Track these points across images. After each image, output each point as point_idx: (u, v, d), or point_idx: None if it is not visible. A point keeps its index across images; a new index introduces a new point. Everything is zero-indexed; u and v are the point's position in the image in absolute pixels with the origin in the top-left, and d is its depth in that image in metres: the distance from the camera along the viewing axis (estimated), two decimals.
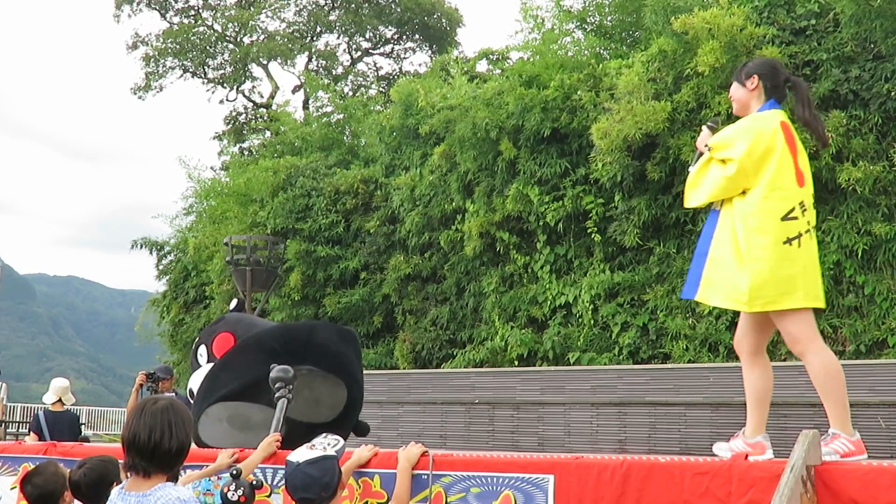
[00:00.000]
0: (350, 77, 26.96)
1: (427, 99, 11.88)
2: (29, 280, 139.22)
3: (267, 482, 3.94)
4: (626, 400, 8.32)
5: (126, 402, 8.66)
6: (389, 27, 26.88)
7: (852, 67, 8.98)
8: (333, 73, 26.66)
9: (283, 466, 3.89)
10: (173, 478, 2.66)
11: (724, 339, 9.14)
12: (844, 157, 8.73)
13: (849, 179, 8.44)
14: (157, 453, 2.52)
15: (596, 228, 10.24)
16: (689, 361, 9.07)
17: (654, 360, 9.59)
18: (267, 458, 3.96)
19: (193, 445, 4.54)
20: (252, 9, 26.03)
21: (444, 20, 26.11)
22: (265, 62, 26.12)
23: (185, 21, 26.72)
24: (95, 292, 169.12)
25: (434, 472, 3.52)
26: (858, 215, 8.68)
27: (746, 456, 3.18)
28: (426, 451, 3.60)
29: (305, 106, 22.71)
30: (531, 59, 12.10)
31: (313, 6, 26.92)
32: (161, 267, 18.41)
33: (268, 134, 22.25)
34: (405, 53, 27.57)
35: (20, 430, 18.60)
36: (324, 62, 26.87)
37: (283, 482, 3.87)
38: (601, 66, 10.62)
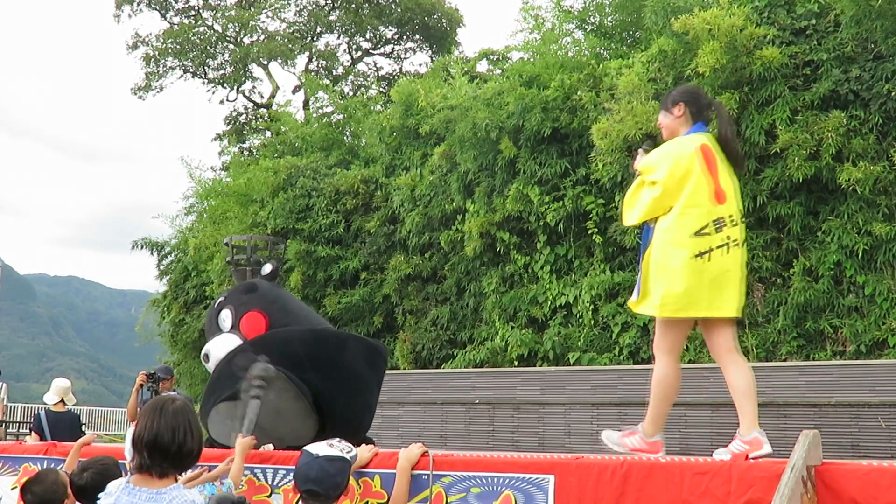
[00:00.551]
0: (350, 77, 26.96)
1: (427, 99, 11.89)
2: (29, 280, 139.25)
3: (267, 482, 3.95)
4: (626, 400, 8.31)
5: (126, 403, 8.66)
6: (390, 27, 26.88)
7: (853, 67, 8.98)
8: (334, 73, 26.67)
9: (284, 466, 3.90)
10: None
11: None
12: (845, 157, 8.72)
13: (849, 180, 8.43)
14: (181, 453, 2.52)
15: (596, 229, 10.24)
16: (690, 362, 9.06)
17: (654, 361, 9.58)
18: (251, 457, 3.98)
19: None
20: (252, 9, 26.04)
21: (444, 20, 26.10)
22: (265, 62, 26.13)
23: (186, 21, 26.72)
24: (96, 292, 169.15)
25: (434, 472, 3.52)
26: (859, 215, 8.68)
27: (747, 455, 3.19)
28: (426, 452, 3.60)
29: (306, 106, 22.71)
30: (531, 60, 12.11)
31: (313, 6, 26.92)
32: (161, 267, 18.41)
33: (268, 134, 22.27)
34: (405, 54, 27.59)
35: (20, 430, 18.62)
36: (324, 62, 26.87)
37: (283, 482, 3.87)
38: (601, 66, 10.63)
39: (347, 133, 16.54)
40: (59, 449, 4.93)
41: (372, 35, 27.27)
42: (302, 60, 26.62)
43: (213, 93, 31.13)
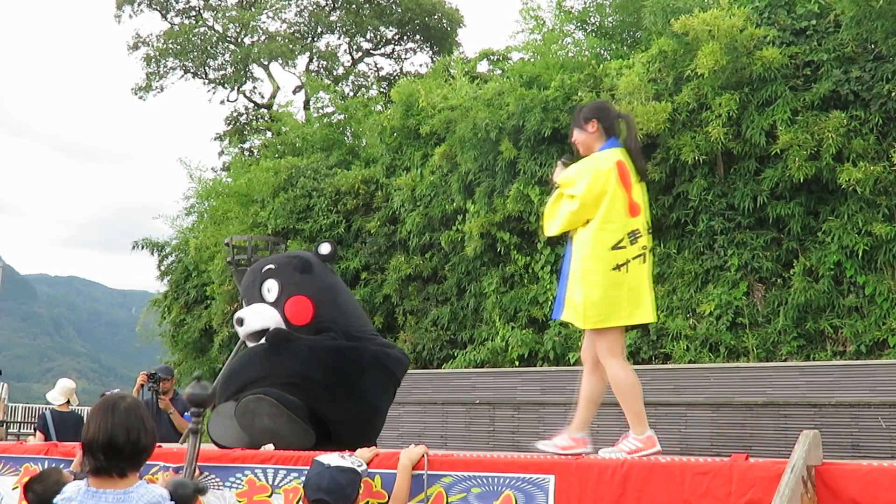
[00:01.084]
0: (351, 77, 26.95)
1: (428, 99, 11.89)
2: (30, 280, 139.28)
3: (267, 482, 3.95)
4: None
5: None
6: (390, 28, 26.87)
7: (853, 68, 8.98)
8: (334, 73, 26.67)
9: (284, 466, 3.90)
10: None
11: (725, 339, 9.15)
12: (845, 157, 8.73)
13: (849, 180, 8.44)
14: (136, 451, 2.48)
15: None
16: (690, 362, 9.07)
17: (654, 361, 9.60)
18: (251, 457, 4.01)
19: (211, 445, 4.54)
20: (253, 9, 26.04)
21: (444, 21, 26.10)
22: (266, 63, 26.13)
23: (186, 22, 26.72)
24: (96, 293, 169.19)
25: (435, 473, 3.52)
26: (859, 216, 8.69)
27: (748, 456, 3.19)
28: (427, 452, 3.61)
29: (306, 106, 22.71)
30: (532, 60, 12.11)
31: (314, 7, 26.92)
32: (162, 267, 18.43)
33: (269, 134, 22.28)
34: (406, 54, 27.58)
35: (21, 430, 18.63)
36: (325, 63, 26.88)
37: (283, 482, 3.88)
38: (602, 66, 10.63)
39: (348, 133, 16.55)
40: (60, 449, 4.93)
41: (372, 35, 27.28)
42: (302, 61, 26.65)
43: (214, 93, 31.13)
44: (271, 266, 4.88)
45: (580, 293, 4.03)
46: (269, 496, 3.92)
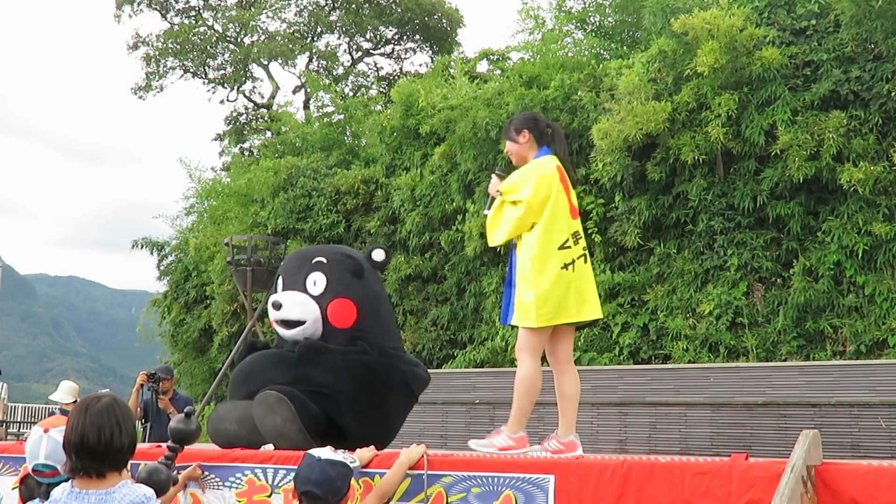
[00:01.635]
0: (351, 77, 26.95)
1: (427, 99, 11.89)
2: (30, 280, 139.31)
3: (267, 482, 3.95)
4: (626, 400, 8.31)
5: (127, 402, 8.68)
6: (390, 27, 26.87)
7: (853, 68, 8.98)
8: (334, 73, 26.66)
9: (284, 466, 3.90)
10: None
11: (725, 339, 9.15)
12: (845, 157, 8.73)
13: (850, 180, 8.44)
14: (110, 452, 2.45)
15: (596, 229, 10.25)
16: (690, 362, 9.07)
17: (654, 361, 9.60)
18: (251, 457, 4.00)
19: (213, 445, 4.53)
20: (253, 9, 26.04)
21: (444, 21, 26.09)
22: (266, 62, 26.12)
23: (186, 21, 26.71)
24: (96, 292, 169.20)
25: (435, 473, 3.52)
26: (859, 216, 8.69)
27: (748, 456, 3.19)
28: (427, 452, 3.61)
29: (306, 106, 22.72)
30: (531, 60, 12.12)
31: (314, 6, 26.92)
32: (162, 267, 18.44)
33: (268, 134, 22.28)
34: (406, 54, 27.57)
35: (21, 430, 18.62)
36: (324, 62, 26.87)
37: (283, 482, 3.87)
38: (601, 66, 10.63)
39: (348, 133, 16.56)
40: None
41: (372, 35, 27.27)
42: (302, 61, 26.63)
43: (214, 93, 31.14)
44: (322, 259, 4.72)
45: (530, 293, 4.11)
46: (269, 496, 3.92)
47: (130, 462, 2.62)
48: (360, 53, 27.88)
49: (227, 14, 26.32)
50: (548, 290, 4.08)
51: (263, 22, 26.24)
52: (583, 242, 4.31)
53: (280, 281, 4.83)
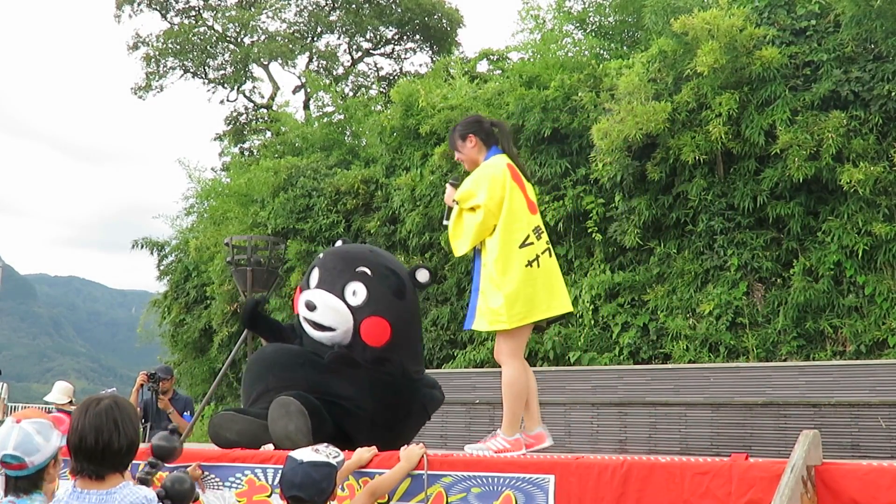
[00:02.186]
0: (351, 77, 26.95)
1: (427, 99, 11.89)
2: (30, 280, 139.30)
3: (267, 482, 3.95)
4: (626, 400, 8.32)
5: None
6: (390, 28, 26.86)
7: (853, 68, 8.98)
8: (334, 73, 26.65)
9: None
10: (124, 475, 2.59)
11: (725, 339, 9.15)
12: (845, 157, 8.73)
13: (849, 180, 8.44)
14: (107, 454, 2.44)
15: (596, 228, 10.25)
16: (690, 362, 9.07)
17: (654, 361, 9.60)
18: (251, 457, 4.00)
19: (213, 445, 4.51)
20: (253, 9, 26.03)
21: (444, 21, 26.08)
22: (266, 63, 26.12)
23: (186, 21, 26.71)
24: (96, 292, 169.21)
25: (435, 473, 3.52)
26: (859, 216, 8.69)
27: (748, 456, 3.19)
28: (426, 452, 3.61)
29: (306, 106, 22.72)
30: (531, 60, 12.11)
31: (314, 7, 26.91)
32: (162, 267, 18.45)
33: (268, 134, 22.27)
34: (406, 54, 27.57)
35: None
36: (324, 62, 26.86)
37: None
38: (601, 66, 10.63)
39: (348, 133, 16.55)
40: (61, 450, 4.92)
41: (372, 35, 27.26)
42: (302, 61, 26.63)
43: (214, 93, 31.22)
44: (367, 270, 4.58)
45: (498, 296, 4.05)
46: (269, 496, 3.92)
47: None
48: (360, 53, 27.88)
49: (227, 14, 26.32)
50: (515, 290, 4.04)
51: (263, 22, 26.25)
52: (545, 237, 4.26)
53: (315, 274, 4.69)
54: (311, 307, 4.51)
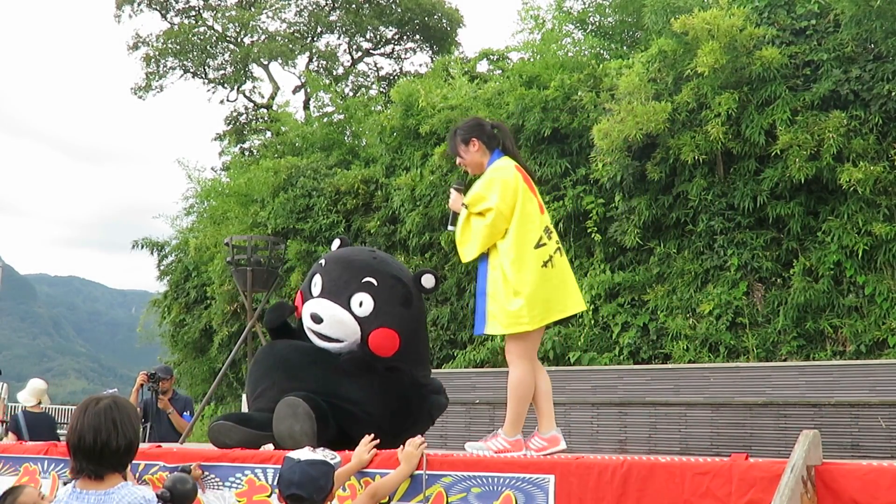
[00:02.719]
0: (351, 77, 26.95)
1: (427, 99, 11.89)
2: (30, 280, 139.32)
3: (267, 482, 3.95)
4: (626, 400, 8.32)
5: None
6: (390, 27, 26.86)
7: (853, 68, 8.99)
8: (334, 73, 26.66)
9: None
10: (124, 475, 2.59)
11: (725, 339, 9.15)
12: (845, 157, 8.73)
13: (849, 180, 8.44)
14: (105, 454, 2.45)
15: (596, 228, 10.25)
16: (690, 362, 9.07)
17: (654, 361, 9.60)
18: (251, 457, 3.99)
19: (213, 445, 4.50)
20: (253, 9, 26.04)
21: (444, 20, 26.09)
22: (266, 62, 26.12)
23: (186, 21, 26.70)
24: (96, 292, 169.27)
25: (434, 473, 3.52)
26: (859, 216, 8.69)
27: (748, 456, 3.19)
28: (426, 452, 3.61)
29: (306, 106, 22.73)
30: (531, 60, 12.12)
31: (314, 6, 26.92)
32: (162, 267, 18.45)
33: (268, 134, 22.27)
34: (406, 54, 27.57)
35: None
36: (324, 62, 26.86)
37: None
38: (601, 66, 10.64)
39: (348, 133, 16.55)
40: (60, 449, 4.92)
41: (372, 35, 27.27)
42: (302, 61, 26.63)
43: (214, 93, 31.20)
44: (373, 281, 4.51)
45: (516, 299, 4.02)
46: (269, 496, 3.92)
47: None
48: (360, 53, 27.88)
49: (227, 14, 26.32)
50: (534, 291, 4.02)
51: (263, 22, 26.25)
52: (555, 236, 4.25)
53: (318, 282, 4.61)
54: (317, 320, 4.44)
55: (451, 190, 4.44)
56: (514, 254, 4.07)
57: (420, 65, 27.12)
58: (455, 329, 11.77)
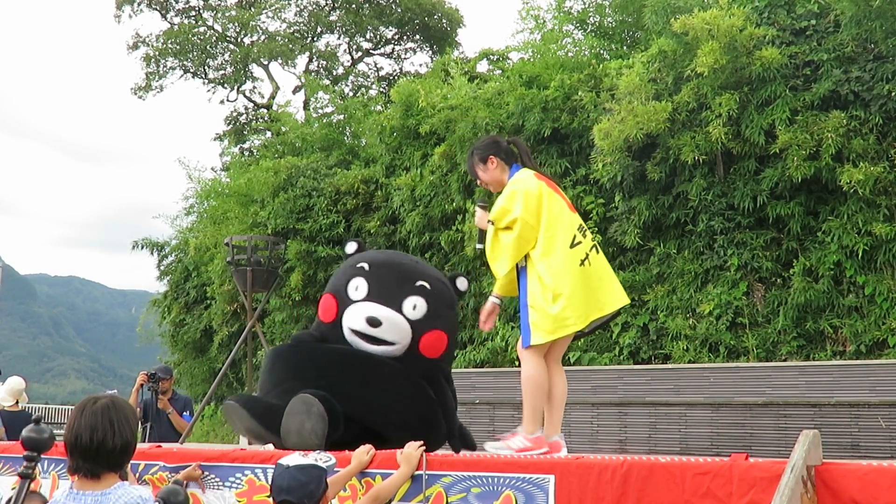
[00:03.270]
0: (351, 77, 26.96)
1: (427, 99, 11.89)
2: (30, 280, 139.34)
3: (267, 482, 3.94)
4: (626, 400, 8.32)
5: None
6: (390, 28, 26.88)
7: (853, 68, 8.98)
8: (334, 73, 26.67)
9: None
10: (123, 476, 2.59)
11: (725, 339, 9.15)
12: (845, 157, 8.73)
13: (849, 180, 8.44)
14: (102, 453, 2.45)
15: (596, 228, 10.25)
16: (690, 362, 9.07)
17: (654, 361, 9.60)
18: (251, 457, 3.99)
19: (213, 445, 4.50)
20: (253, 9, 26.04)
21: (444, 20, 26.10)
22: (266, 62, 26.13)
23: (186, 21, 26.72)
24: (96, 292, 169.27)
25: (434, 473, 3.52)
26: (859, 216, 8.69)
27: (748, 456, 3.19)
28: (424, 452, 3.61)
29: (306, 106, 22.71)
30: (531, 60, 12.12)
31: (314, 7, 26.93)
32: (162, 267, 18.47)
33: (268, 134, 22.28)
34: (406, 54, 27.59)
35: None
36: (324, 62, 26.88)
37: None
38: (601, 66, 10.64)
39: (348, 133, 16.56)
40: (59, 449, 4.92)
41: (372, 35, 27.28)
42: (302, 61, 26.64)
43: (214, 93, 31.25)
44: (426, 284, 4.55)
45: (556, 302, 3.99)
46: (269, 496, 3.91)
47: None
48: (360, 53, 27.90)
49: (227, 14, 26.33)
50: (574, 291, 4.00)
51: (263, 22, 26.26)
52: (590, 234, 4.24)
53: (361, 286, 4.55)
54: (375, 323, 4.40)
55: (476, 208, 4.44)
56: (549, 258, 4.06)
57: (420, 65, 27.17)
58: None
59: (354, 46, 27.77)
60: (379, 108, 16.33)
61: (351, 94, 24.10)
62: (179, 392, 7.97)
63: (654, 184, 9.88)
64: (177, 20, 26.86)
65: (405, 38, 27.16)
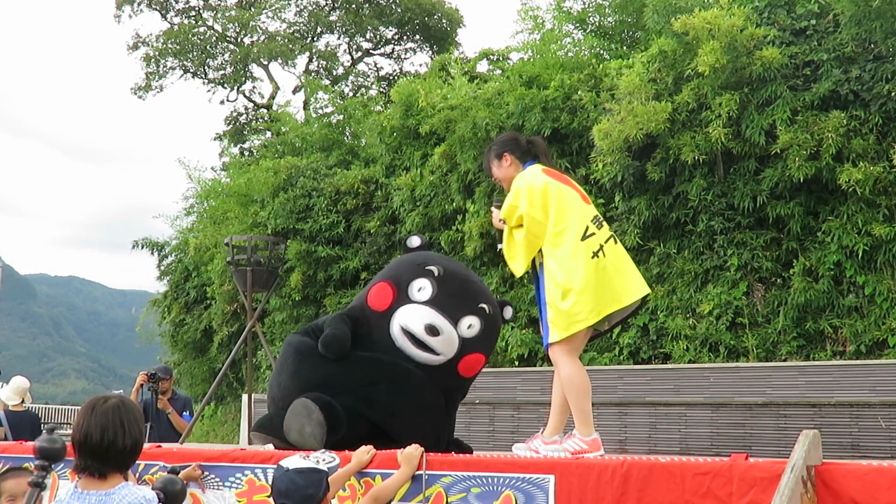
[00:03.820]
0: (350, 77, 26.97)
1: (427, 99, 11.89)
2: (30, 280, 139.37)
3: (267, 482, 3.95)
4: (626, 400, 8.32)
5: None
6: (390, 28, 26.88)
7: (853, 68, 8.99)
8: (334, 73, 26.68)
9: None
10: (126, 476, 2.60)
11: (725, 339, 9.15)
12: (845, 157, 8.73)
13: (849, 180, 8.44)
14: (111, 453, 2.47)
15: None
16: (690, 362, 9.07)
17: (654, 361, 9.60)
18: (251, 457, 3.99)
19: (213, 445, 4.50)
20: (253, 9, 26.05)
21: (444, 20, 26.10)
22: (266, 62, 26.13)
23: (186, 21, 26.72)
24: (96, 292, 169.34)
25: (434, 473, 3.52)
26: (859, 216, 8.69)
27: (748, 456, 3.19)
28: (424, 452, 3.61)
29: (306, 106, 22.71)
30: (531, 60, 12.12)
31: (314, 7, 26.93)
32: (162, 267, 18.48)
33: (268, 134, 22.29)
34: (406, 54, 27.59)
35: None
36: (324, 63, 26.88)
37: None
38: (601, 66, 10.63)
39: (347, 133, 16.56)
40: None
41: (372, 35, 27.28)
42: (302, 61, 26.65)
43: (214, 93, 31.26)
44: (486, 308, 4.45)
45: (568, 297, 3.91)
46: (269, 496, 3.92)
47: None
48: (360, 53, 27.90)
49: (227, 14, 26.34)
50: (585, 285, 3.89)
51: (263, 22, 26.28)
52: (606, 226, 4.11)
53: (428, 288, 4.39)
54: (434, 332, 4.29)
55: (492, 209, 4.37)
56: (558, 252, 3.97)
57: (420, 65, 27.16)
58: None
59: (354, 46, 27.79)
60: (379, 108, 16.33)
61: (351, 94, 24.11)
62: (179, 392, 7.97)
63: (654, 184, 9.88)
64: (177, 20, 26.87)
65: (405, 38, 27.16)
